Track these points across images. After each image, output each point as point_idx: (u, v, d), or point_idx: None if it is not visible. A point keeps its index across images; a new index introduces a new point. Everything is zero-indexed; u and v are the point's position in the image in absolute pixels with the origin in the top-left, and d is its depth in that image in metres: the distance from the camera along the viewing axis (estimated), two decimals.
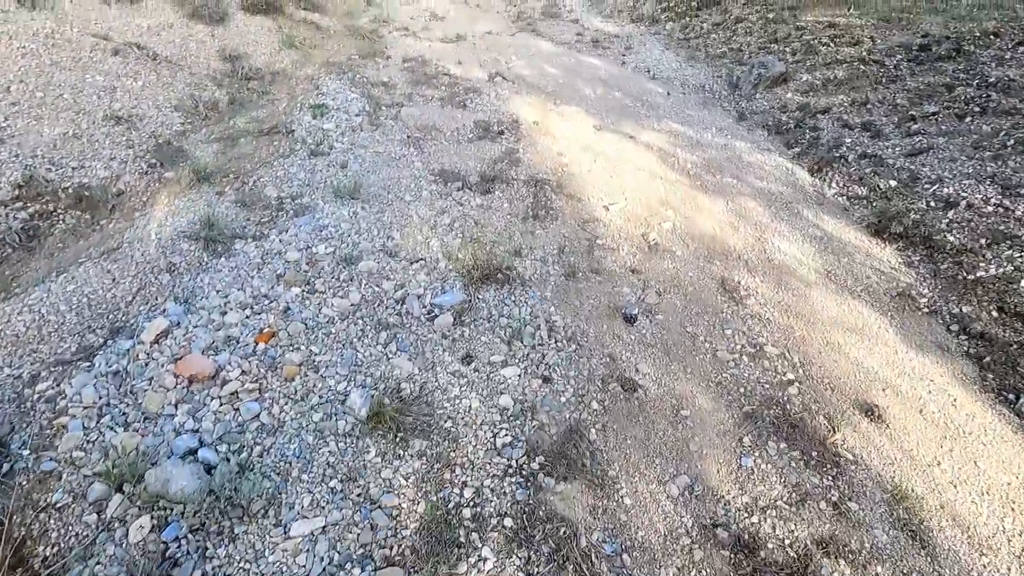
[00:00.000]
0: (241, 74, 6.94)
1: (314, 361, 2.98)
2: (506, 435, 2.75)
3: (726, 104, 6.70)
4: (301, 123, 5.71)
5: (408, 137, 5.55)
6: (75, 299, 3.33)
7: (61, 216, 4.36)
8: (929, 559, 2.41)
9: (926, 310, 3.72)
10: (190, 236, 3.94)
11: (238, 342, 3.00)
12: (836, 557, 2.37)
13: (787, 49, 7.16)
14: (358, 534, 2.32)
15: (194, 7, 7.55)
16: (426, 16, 10.82)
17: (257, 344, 3.00)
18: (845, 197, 4.92)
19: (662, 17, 9.81)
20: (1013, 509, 2.60)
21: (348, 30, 9.28)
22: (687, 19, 9.31)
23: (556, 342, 3.30)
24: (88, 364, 2.91)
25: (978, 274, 3.77)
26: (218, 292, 3.37)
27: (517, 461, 2.65)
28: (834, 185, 5.06)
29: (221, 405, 2.69)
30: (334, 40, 8.91)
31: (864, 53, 6.39)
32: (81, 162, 4.76)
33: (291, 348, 3.02)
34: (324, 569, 2.19)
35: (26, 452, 2.47)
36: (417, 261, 3.83)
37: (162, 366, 2.83)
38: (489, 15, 11.22)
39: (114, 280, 3.52)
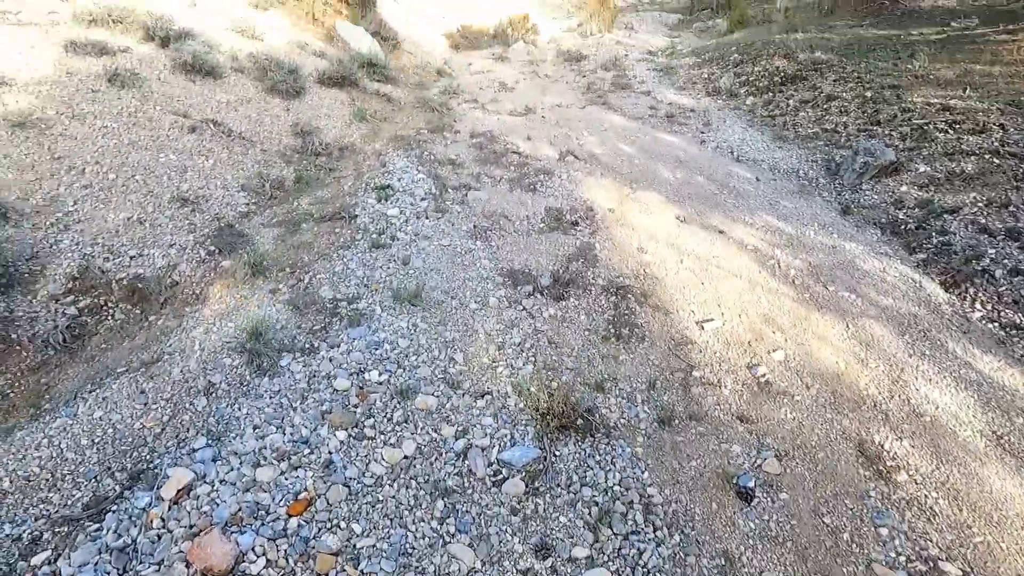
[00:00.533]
0: (311, 150, 6.82)
1: (354, 547, 2.39)
2: None
3: (826, 194, 5.95)
4: (365, 207, 5.39)
5: (475, 227, 5.11)
6: (100, 430, 2.92)
7: (111, 311, 4.10)
8: None
9: None
10: (234, 348, 3.54)
11: (267, 513, 2.46)
12: None
13: (894, 133, 6.38)
14: None
15: (273, 82, 7.63)
16: (495, 86, 10.73)
17: (290, 518, 2.45)
18: (997, 325, 4.02)
19: (741, 92, 9.25)
20: None
21: (418, 102, 9.23)
22: (770, 95, 8.70)
23: (655, 530, 2.58)
24: (96, 527, 2.43)
25: None
26: (255, 430, 2.89)
27: None
28: (979, 307, 4.18)
29: None
30: (404, 113, 8.85)
31: (996, 144, 5.53)
32: (141, 249, 4.54)
33: (329, 525, 2.45)
34: None
35: None
36: (483, 396, 3.25)
37: (176, 543, 2.31)
38: (558, 86, 11.03)
39: (146, 404, 3.12)
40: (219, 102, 6.89)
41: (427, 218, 5.20)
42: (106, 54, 6.52)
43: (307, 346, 3.62)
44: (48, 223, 4.46)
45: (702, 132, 7.95)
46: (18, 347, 3.62)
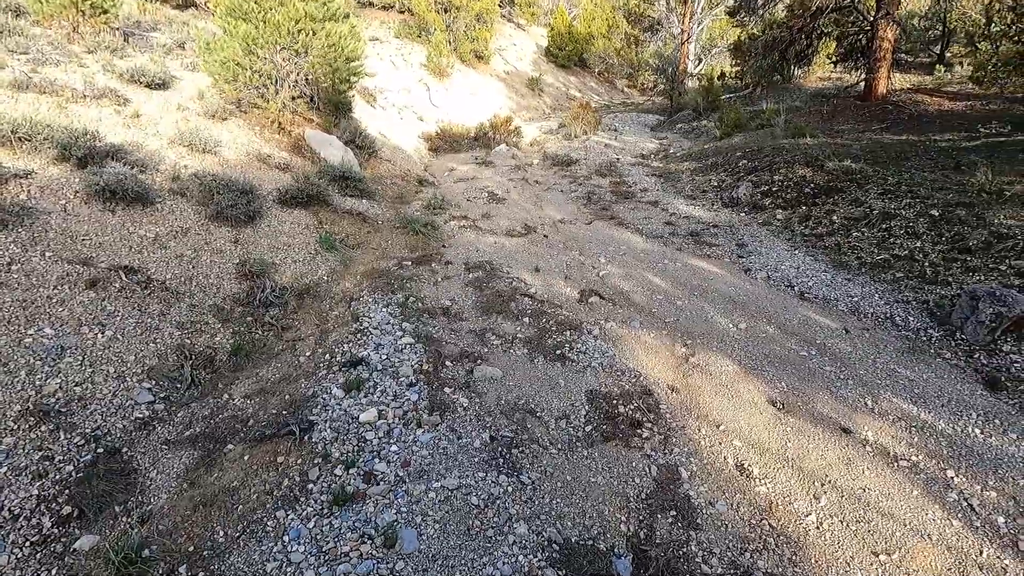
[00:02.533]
0: (259, 299, 5.10)
1: None
2: None
3: (948, 354, 4.45)
4: (326, 405, 3.59)
5: (492, 440, 3.34)
6: None
7: None
8: None
9: None
10: None
11: None
12: None
13: (1004, 268, 5.06)
14: None
15: (219, 207, 6.02)
16: (485, 197, 9.43)
17: None
18: None
19: (766, 204, 8.09)
20: None
21: (399, 220, 7.75)
22: (803, 208, 7.53)
23: None
24: None
25: None
26: None
27: None
28: None
29: None
30: (383, 235, 7.31)
31: None
32: None
33: None
34: None
35: None
36: None
37: None
38: (554, 195, 9.81)
39: None
40: (141, 239, 5.20)
41: (419, 426, 3.42)
42: None
43: None
44: None
45: (740, 257, 6.58)
46: None
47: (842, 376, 4.19)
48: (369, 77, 15.63)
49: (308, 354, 4.37)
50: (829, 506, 3.03)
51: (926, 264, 5.59)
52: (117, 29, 10.12)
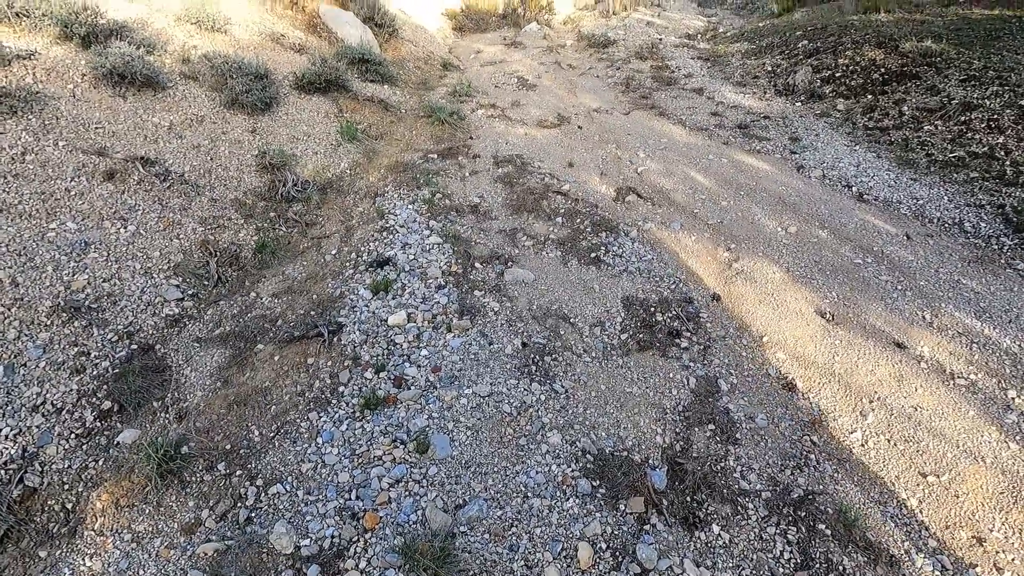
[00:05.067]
0: (281, 193, 4.82)
1: None
2: None
3: (1020, 264, 3.99)
4: (354, 306, 3.44)
5: (524, 346, 3.17)
6: None
7: None
8: None
9: None
10: None
11: None
12: None
13: None
14: None
15: (234, 94, 5.56)
16: (514, 83, 8.60)
17: None
18: None
19: (827, 92, 7.15)
20: None
21: (423, 108, 7.15)
22: (870, 97, 6.62)
23: None
24: None
25: None
26: None
27: None
28: None
29: None
30: (406, 124, 6.78)
31: None
32: None
33: None
34: None
35: None
36: None
37: None
38: (588, 80, 8.89)
39: None
40: (156, 127, 4.85)
41: (449, 331, 3.25)
42: None
43: None
44: None
45: (793, 152, 5.92)
46: None
47: (899, 287, 3.81)
48: None
49: (334, 252, 4.16)
50: (876, 424, 2.84)
51: (1007, 163, 4.90)
52: None
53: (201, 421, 2.74)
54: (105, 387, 2.91)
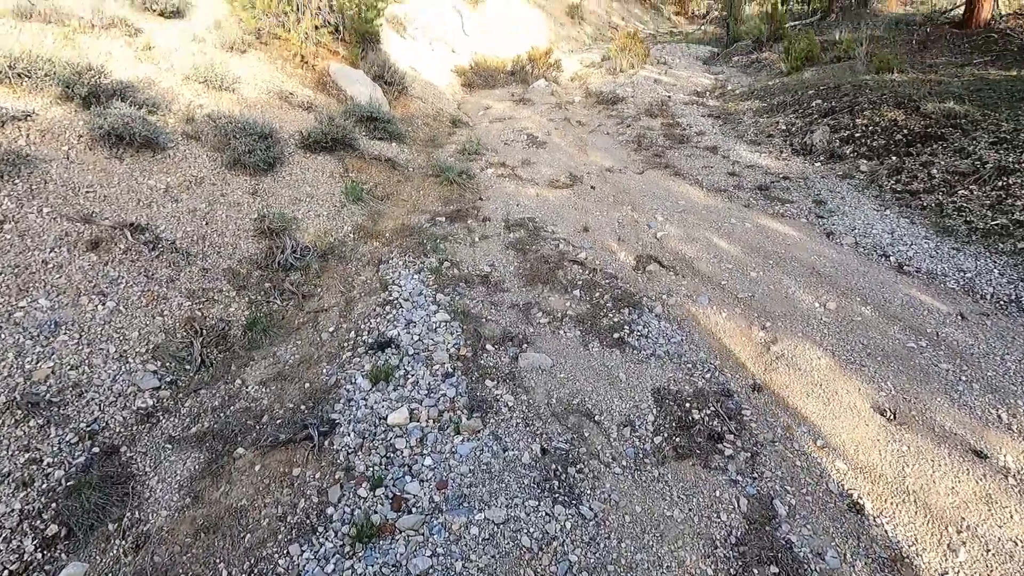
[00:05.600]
0: (279, 261, 4.48)
1: None
2: None
3: None
4: (349, 403, 3.02)
5: (544, 456, 2.72)
6: None
7: None
8: None
9: None
10: None
11: None
12: None
13: None
14: None
15: (236, 154, 5.33)
16: (524, 140, 8.45)
17: None
18: None
19: (846, 152, 6.92)
20: None
21: (431, 167, 6.93)
22: (893, 158, 6.36)
23: None
24: None
25: None
26: None
27: None
28: None
29: None
30: (413, 184, 6.54)
31: None
32: None
33: None
34: None
35: None
36: None
37: None
38: (599, 138, 8.74)
39: None
40: (151, 190, 4.58)
41: (457, 432, 2.82)
42: None
43: None
44: None
45: (820, 217, 5.60)
46: None
47: (964, 377, 3.37)
48: (397, 3, 14.24)
49: (331, 330, 3.78)
50: (971, 563, 2.34)
51: None
52: None
53: (161, 553, 2.28)
54: (54, 505, 2.47)
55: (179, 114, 5.76)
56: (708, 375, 3.38)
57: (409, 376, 3.21)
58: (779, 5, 14.66)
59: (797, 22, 14.65)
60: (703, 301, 4.17)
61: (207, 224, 4.58)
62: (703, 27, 18.98)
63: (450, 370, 3.28)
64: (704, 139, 8.39)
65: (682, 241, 5.14)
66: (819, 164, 7.00)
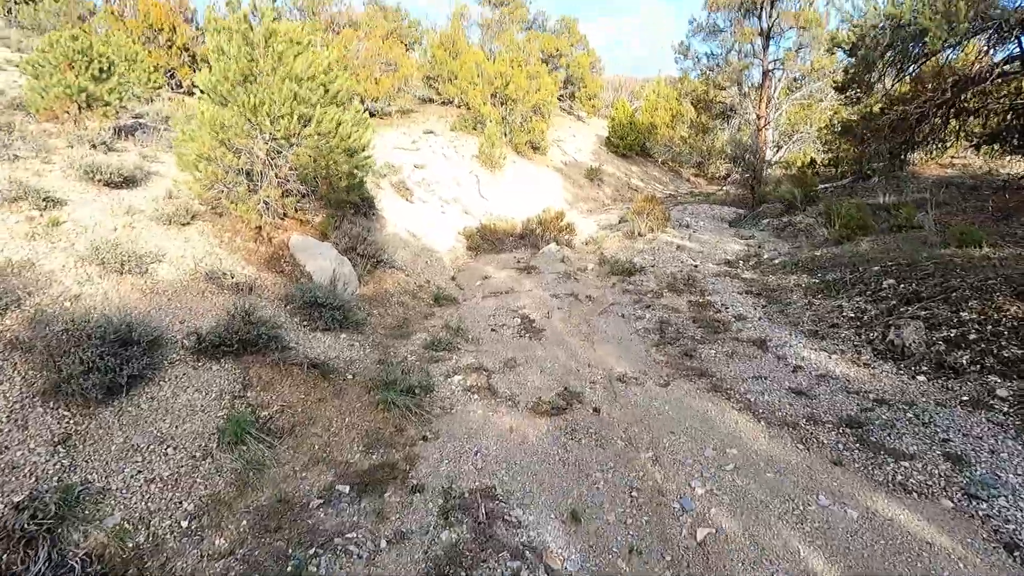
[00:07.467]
0: None
1: None
2: None
3: None
4: None
5: None
6: None
7: None
8: None
9: None
10: None
11: None
12: None
13: None
14: None
15: (63, 375, 3.53)
16: (516, 325, 6.62)
17: None
18: None
19: (963, 362, 4.69)
20: None
21: (379, 372, 5.01)
22: None
23: None
24: None
25: None
26: None
27: None
28: None
29: None
30: (340, 405, 4.57)
31: None
32: None
33: None
34: None
35: None
36: None
37: None
38: (610, 324, 6.83)
39: None
40: None
41: None
42: None
43: None
44: None
45: (970, 495, 3.23)
46: None
47: None
48: (419, 168, 13.91)
49: None
50: None
51: None
52: (119, 123, 8.66)
53: None
54: None
55: (27, 311, 4.15)
56: None
57: None
58: (806, 169, 13.65)
59: (828, 184, 13.47)
60: None
61: None
62: (725, 188, 18.26)
63: None
64: (747, 327, 6.37)
65: (742, 546, 2.80)
66: (923, 378, 4.77)
